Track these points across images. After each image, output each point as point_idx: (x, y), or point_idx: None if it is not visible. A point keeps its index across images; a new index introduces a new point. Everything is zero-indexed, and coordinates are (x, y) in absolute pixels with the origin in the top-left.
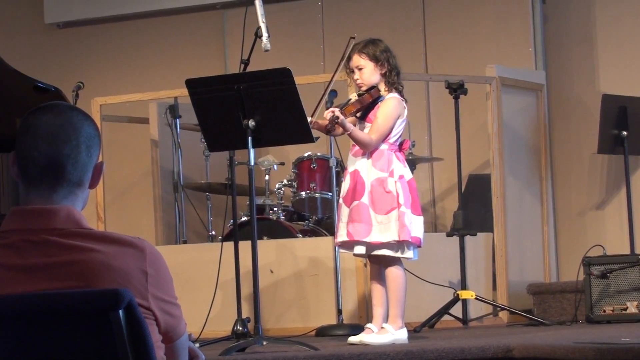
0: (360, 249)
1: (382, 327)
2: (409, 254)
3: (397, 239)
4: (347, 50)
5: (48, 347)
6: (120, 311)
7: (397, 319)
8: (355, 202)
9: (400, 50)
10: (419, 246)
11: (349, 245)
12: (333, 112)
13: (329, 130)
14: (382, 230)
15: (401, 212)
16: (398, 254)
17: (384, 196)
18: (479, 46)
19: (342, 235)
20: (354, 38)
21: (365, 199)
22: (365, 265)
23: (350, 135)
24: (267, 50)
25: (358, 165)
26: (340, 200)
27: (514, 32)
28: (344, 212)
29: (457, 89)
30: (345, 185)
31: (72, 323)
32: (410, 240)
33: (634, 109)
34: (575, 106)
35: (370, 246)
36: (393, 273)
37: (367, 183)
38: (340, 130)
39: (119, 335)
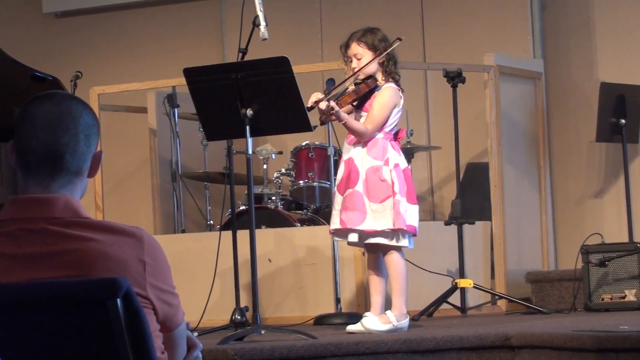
0: (353, 237)
1: (384, 315)
2: (404, 242)
3: (392, 227)
4: (390, 47)
5: (46, 335)
6: (118, 300)
7: (401, 306)
8: (349, 190)
9: None
10: (415, 235)
11: (342, 233)
12: (328, 103)
13: (322, 121)
14: (377, 218)
15: (396, 200)
16: (393, 242)
17: (379, 184)
18: (477, 35)
19: (335, 223)
20: (400, 40)
21: (359, 187)
22: (363, 254)
23: (345, 125)
24: (264, 39)
25: (353, 153)
26: (334, 189)
27: (512, 20)
28: (338, 200)
29: (455, 78)
30: (340, 173)
31: (70, 312)
32: (405, 228)
33: (632, 97)
34: (574, 94)
35: (364, 234)
36: (393, 260)
37: (361, 171)
38: (334, 119)
39: (117, 324)
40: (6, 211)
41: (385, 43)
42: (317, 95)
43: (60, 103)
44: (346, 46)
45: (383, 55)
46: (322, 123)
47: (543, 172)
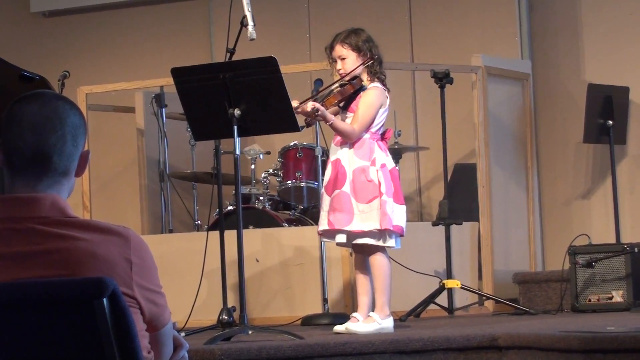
0: (341, 238)
1: (368, 316)
2: (391, 242)
3: (378, 227)
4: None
5: (31, 335)
6: (105, 300)
7: (384, 307)
8: (337, 191)
9: (386, 40)
10: (402, 235)
11: (330, 234)
12: (314, 105)
13: (308, 123)
14: (364, 219)
15: (383, 200)
16: (380, 243)
17: (365, 185)
18: (465, 35)
19: (323, 224)
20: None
21: (346, 187)
22: (350, 254)
23: (331, 126)
24: (252, 39)
25: (340, 154)
26: (322, 189)
27: (500, 21)
28: (326, 201)
29: (442, 79)
30: (327, 174)
31: (56, 312)
32: (392, 228)
33: (620, 98)
34: (561, 95)
35: (352, 235)
36: (377, 261)
37: (348, 172)
38: (321, 119)
39: (103, 323)
40: None
41: (369, 44)
42: (295, 102)
43: (47, 103)
44: (330, 48)
45: (367, 61)
46: (308, 125)
47: (530, 173)
